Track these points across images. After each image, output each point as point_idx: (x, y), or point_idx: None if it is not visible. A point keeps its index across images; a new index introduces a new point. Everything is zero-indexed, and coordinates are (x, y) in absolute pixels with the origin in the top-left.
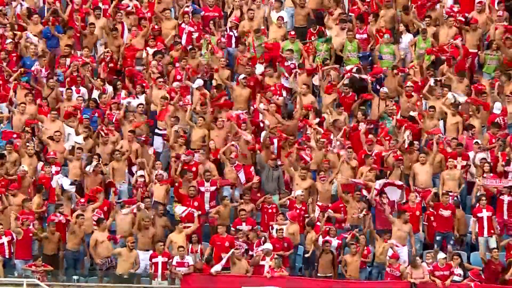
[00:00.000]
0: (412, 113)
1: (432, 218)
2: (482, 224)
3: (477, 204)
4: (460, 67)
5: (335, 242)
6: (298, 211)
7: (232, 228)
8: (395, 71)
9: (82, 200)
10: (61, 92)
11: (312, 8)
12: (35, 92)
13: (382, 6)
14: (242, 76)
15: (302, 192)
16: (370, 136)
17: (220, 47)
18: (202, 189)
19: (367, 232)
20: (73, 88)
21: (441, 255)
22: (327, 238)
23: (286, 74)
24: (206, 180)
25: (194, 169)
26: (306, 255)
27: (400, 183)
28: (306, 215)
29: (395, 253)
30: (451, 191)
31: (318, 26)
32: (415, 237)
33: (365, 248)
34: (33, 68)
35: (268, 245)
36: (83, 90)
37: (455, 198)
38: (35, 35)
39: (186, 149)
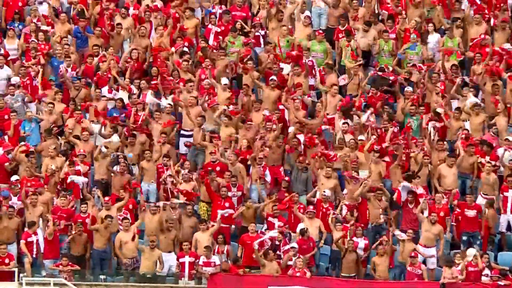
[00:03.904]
0: (438, 110)
1: (460, 218)
2: None
3: None
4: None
5: (362, 243)
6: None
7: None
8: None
9: (107, 198)
10: (89, 92)
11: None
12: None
13: (411, 5)
14: (272, 77)
15: (329, 192)
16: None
17: (248, 47)
18: (229, 194)
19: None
20: (106, 88)
21: (472, 251)
22: (354, 239)
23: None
24: (232, 185)
25: (218, 168)
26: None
27: None
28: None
29: (415, 252)
30: (486, 194)
31: (347, 24)
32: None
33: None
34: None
35: (295, 244)
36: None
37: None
38: (64, 37)
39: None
